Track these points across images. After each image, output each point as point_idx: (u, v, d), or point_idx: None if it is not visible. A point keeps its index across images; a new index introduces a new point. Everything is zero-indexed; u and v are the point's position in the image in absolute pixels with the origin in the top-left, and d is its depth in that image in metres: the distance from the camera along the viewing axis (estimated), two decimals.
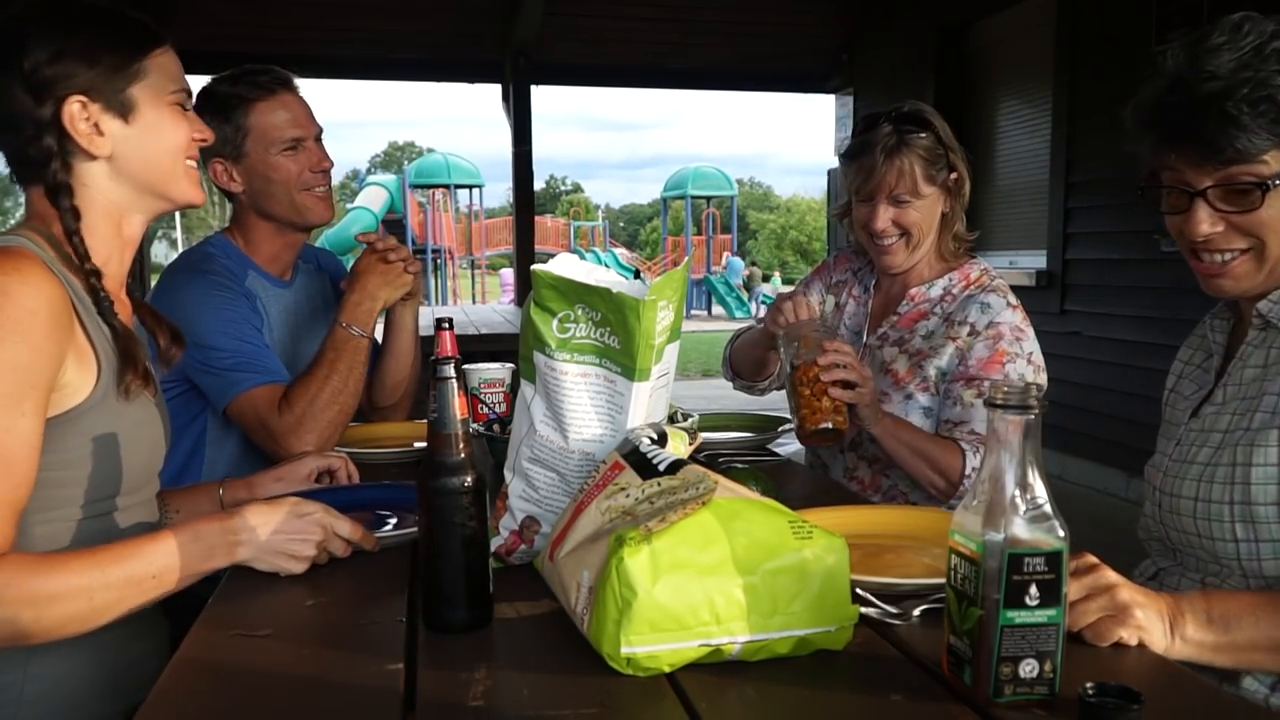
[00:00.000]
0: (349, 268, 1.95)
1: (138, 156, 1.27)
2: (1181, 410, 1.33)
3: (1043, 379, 1.87)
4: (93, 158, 1.24)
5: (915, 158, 1.83)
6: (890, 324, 1.98)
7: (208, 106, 1.83)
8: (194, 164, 1.34)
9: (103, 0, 1.29)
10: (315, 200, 1.92)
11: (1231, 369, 1.24)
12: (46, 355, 1.13)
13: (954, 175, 1.88)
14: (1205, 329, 1.34)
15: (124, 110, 1.25)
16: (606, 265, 1.59)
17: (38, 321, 1.12)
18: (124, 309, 1.31)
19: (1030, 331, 1.87)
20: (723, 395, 8.99)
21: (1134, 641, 0.99)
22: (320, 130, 1.95)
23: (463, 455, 1.05)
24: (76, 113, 1.22)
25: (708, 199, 24.77)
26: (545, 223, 25.38)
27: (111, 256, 1.29)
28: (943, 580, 0.92)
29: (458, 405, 1.05)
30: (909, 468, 1.81)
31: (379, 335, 2.03)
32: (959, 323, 1.88)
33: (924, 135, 1.84)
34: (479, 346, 5.13)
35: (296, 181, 1.89)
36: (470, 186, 21.52)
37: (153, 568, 1.12)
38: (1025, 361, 1.84)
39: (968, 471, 1.76)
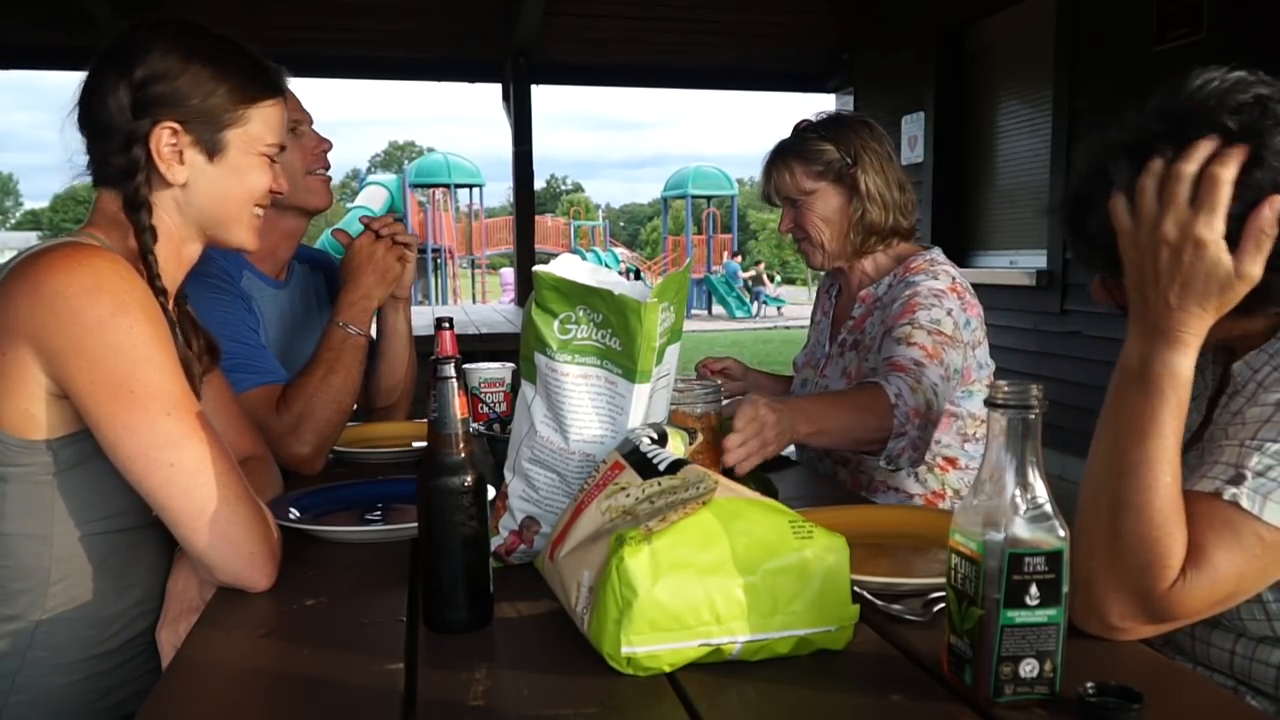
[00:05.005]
0: (340, 262, 1.93)
1: (209, 195, 1.28)
2: None
3: (965, 336, 1.82)
4: (167, 184, 1.25)
5: (791, 157, 1.95)
6: (847, 329, 2.03)
7: None
8: (260, 211, 1.35)
9: (235, 37, 1.31)
10: (319, 183, 1.93)
11: (1217, 416, 1.20)
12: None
13: (853, 169, 1.90)
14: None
15: (212, 149, 1.26)
16: (607, 265, 1.59)
17: (156, 305, 1.17)
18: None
19: (952, 300, 1.83)
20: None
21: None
22: (312, 121, 1.95)
23: (463, 455, 1.05)
24: (165, 138, 1.23)
25: (708, 198, 24.76)
26: (545, 222, 25.40)
27: (166, 273, 1.29)
28: (942, 580, 0.92)
29: (458, 405, 1.05)
30: (847, 446, 1.78)
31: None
32: (889, 305, 1.90)
33: (801, 137, 1.94)
34: (479, 346, 5.13)
35: (301, 164, 1.90)
36: (470, 186, 21.52)
37: None
38: (941, 311, 1.80)
39: (892, 399, 1.66)
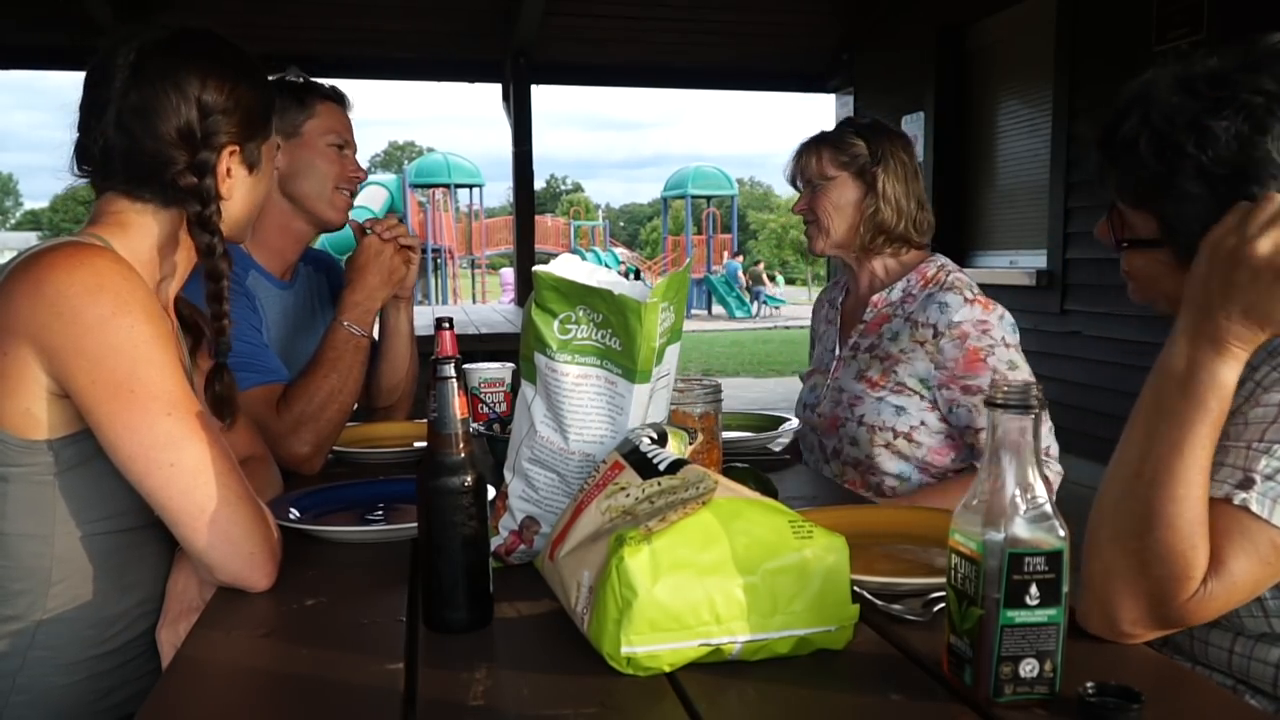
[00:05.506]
0: (345, 262, 1.95)
1: (244, 203, 1.33)
2: None
3: (1019, 358, 1.91)
4: (220, 199, 1.28)
5: (824, 145, 2.04)
6: (859, 332, 2.07)
7: (281, 92, 1.87)
8: None
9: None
10: (344, 202, 1.98)
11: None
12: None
13: (875, 168, 1.99)
14: None
15: (253, 163, 1.32)
16: (607, 265, 1.60)
17: (159, 306, 1.19)
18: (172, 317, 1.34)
19: (993, 317, 1.91)
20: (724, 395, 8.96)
21: None
22: (356, 147, 2.03)
23: (463, 455, 1.05)
24: (226, 159, 1.27)
25: (708, 198, 24.76)
26: (545, 222, 25.43)
27: (179, 275, 1.32)
28: (942, 580, 0.92)
29: (458, 405, 1.05)
30: None
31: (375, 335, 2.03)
32: (922, 325, 1.94)
33: (839, 130, 2.06)
34: (479, 346, 5.12)
35: (337, 175, 1.95)
36: (470, 186, 21.53)
37: None
38: (1003, 348, 1.89)
39: None
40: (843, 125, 2.09)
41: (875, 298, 2.05)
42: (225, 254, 1.26)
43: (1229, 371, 0.98)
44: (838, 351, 2.11)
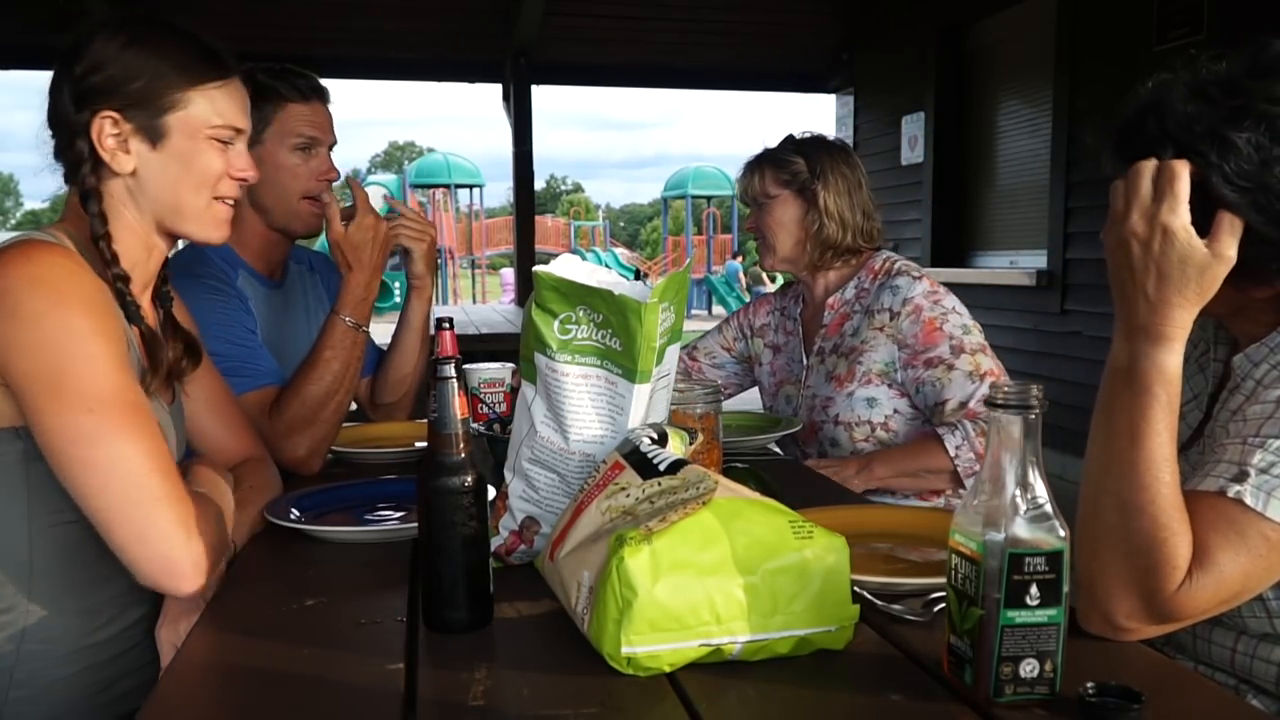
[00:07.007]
0: (332, 248, 1.81)
1: (158, 183, 1.27)
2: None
3: (973, 324, 1.98)
4: (115, 174, 1.26)
5: (766, 164, 2.10)
6: (821, 337, 2.12)
7: None
8: (223, 203, 1.33)
9: (183, 25, 1.31)
10: (309, 211, 1.88)
11: (1217, 413, 1.20)
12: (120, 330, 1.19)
13: (815, 185, 2.03)
14: (1209, 334, 1.28)
15: (154, 136, 1.26)
16: (607, 265, 1.60)
17: (104, 299, 1.17)
18: (149, 315, 1.32)
19: (942, 288, 2.00)
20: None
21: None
22: (334, 144, 1.92)
23: (463, 455, 1.05)
24: (106, 129, 1.24)
25: (708, 199, 24.76)
26: (545, 222, 25.41)
27: (136, 264, 1.29)
28: (942, 580, 0.92)
29: (458, 405, 1.05)
30: (909, 488, 1.94)
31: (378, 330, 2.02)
32: (878, 312, 2.00)
33: (780, 147, 2.11)
34: (479, 346, 5.13)
35: (302, 186, 1.86)
36: (470, 186, 21.52)
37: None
38: (955, 315, 1.96)
39: (953, 453, 1.86)
40: (785, 141, 2.13)
41: (831, 300, 2.11)
42: (100, 215, 1.24)
43: (1169, 356, 1.00)
44: (805, 360, 2.15)
